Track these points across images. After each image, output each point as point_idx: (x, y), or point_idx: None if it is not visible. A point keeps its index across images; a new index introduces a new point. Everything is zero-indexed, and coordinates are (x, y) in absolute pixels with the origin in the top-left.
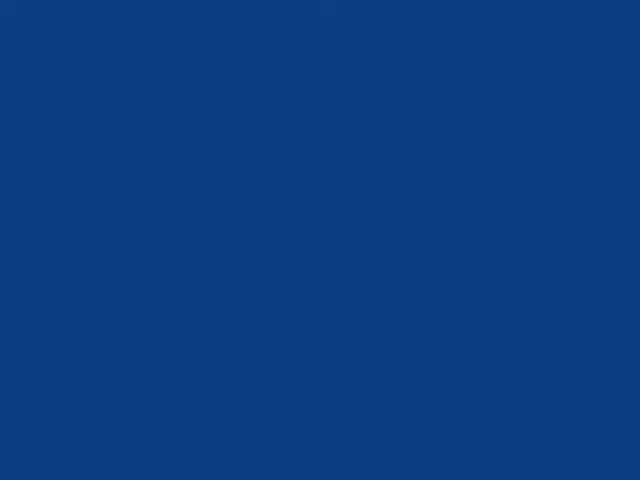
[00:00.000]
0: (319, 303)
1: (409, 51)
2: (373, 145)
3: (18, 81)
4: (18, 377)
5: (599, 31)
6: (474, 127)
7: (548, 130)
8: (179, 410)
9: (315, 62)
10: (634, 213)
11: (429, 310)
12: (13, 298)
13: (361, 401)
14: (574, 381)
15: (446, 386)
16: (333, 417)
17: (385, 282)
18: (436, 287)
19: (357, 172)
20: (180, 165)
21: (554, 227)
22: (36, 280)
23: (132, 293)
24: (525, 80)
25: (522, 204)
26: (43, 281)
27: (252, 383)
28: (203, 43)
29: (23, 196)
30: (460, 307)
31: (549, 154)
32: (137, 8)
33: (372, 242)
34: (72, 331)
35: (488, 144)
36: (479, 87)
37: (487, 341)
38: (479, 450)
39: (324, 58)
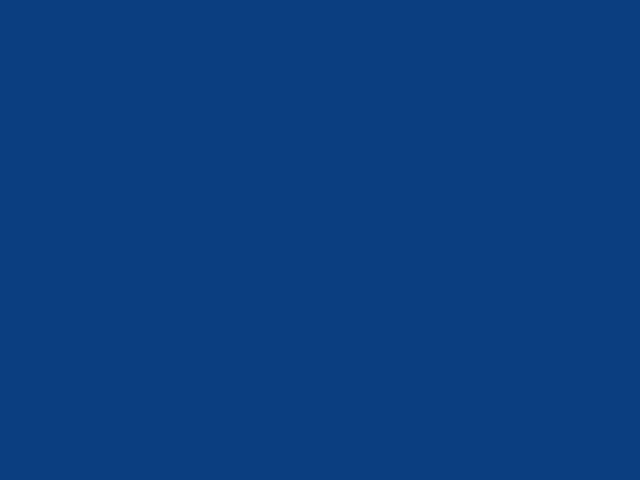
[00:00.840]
0: (319, 303)
1: (409, 51)
2: (373, 145)
3: (18, 81)
4: (18, 377)
5: (599, 31)
6: (474, 127)
7: (548, 130)
8: (179, 410)
9: (315, 62)
10: (634, 213)
11: (429, 310)
12: (13, 298)
13: (361, 401)
14: (574, 381)
15: (446, 386)
16: (333, 417)
17: (385, 282)
18: (436, 287)
19: (357, 172)
20: (180, 165)
21: (554, 227)
22: (36, 280)
23: (132, 293)
24: (525, 80)
25: (522, 204)
26: (43, 281)
27: (252, 383)
28: (203, 43)
29: (23, 196)
30: (460, 307)
31: (549, 154)
32: (137, 8)
33: (372, 242)
34: (72, 331)
35: (488, 144)
36: (479, 87)
37: (487, 341)
38: (479, 450)
39: (324, 58)
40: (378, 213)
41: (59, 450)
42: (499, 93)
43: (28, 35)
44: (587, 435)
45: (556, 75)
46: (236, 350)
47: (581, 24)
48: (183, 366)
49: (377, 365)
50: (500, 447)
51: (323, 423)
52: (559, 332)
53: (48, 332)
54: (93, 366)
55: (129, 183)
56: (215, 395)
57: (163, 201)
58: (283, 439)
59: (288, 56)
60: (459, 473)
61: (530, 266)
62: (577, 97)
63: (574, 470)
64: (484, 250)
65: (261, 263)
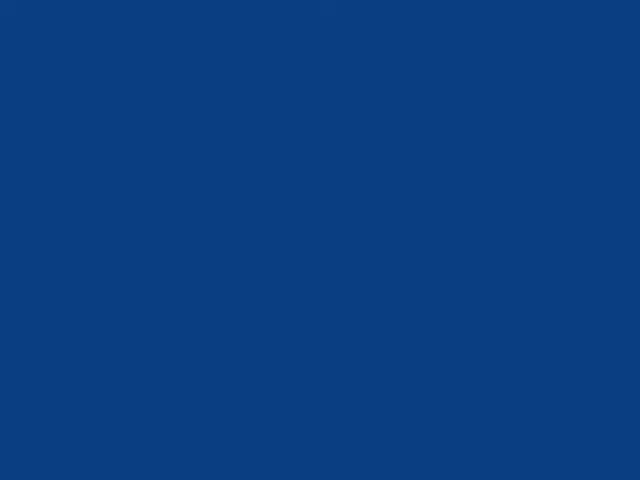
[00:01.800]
0: (319, 303)
1: (409, 51)
2: (373, 145)
3: (18, 81)
4: (18, 377)
5: (599, 31)
6: (474, 127)
7: (548, 130)
8: (179, 410)
9: (315, 62)
10: (634, 213)
11: (429, 310)
12: (13, 298)
13: (361, 401)
14: (574, 381)
15: (446, 386)
16: (333, 417)
17: (385, 282)
18: (436, 287)
19: (357, 172)
20: (180, 165)
21: (554, 227)
22: (36, 280)
23: (132, 293)
24: (525, 80)
25: (522, 204)
26: (43, 281)
27: (252, 383)
28: (203, 43)
29: (23, 196)
30: (460, 307)
31: (549, 154)
32: (137, 8)
33: (372, 242)
34: (72, 331)
35: (488, 144)
36: (479, 87)
37: (487, 341)
38: (479, 450)
39: (324, 58)
40: (378, 213)
41: (59, 450)
42: (499, 93)
43: (28, 35)
44: (587, 435)
45: (556, 75)
46: (236, 350)
47: (581, 24)
48: (183, 366)
49: (377, 365)
50: (500, 447)
51: (323, 423)
52: (559, 332)
53: (48, 332)
54: (93, 366)
55: (129, 183)
56: (215, 395)
57: (163, 201)
58: (283, 439)
59: (288, 56)
60: (459, 473)
61: (530, 266)
62: (577, 97)
63: (574, 470)
64: (484, 250)
65: (261, 263)
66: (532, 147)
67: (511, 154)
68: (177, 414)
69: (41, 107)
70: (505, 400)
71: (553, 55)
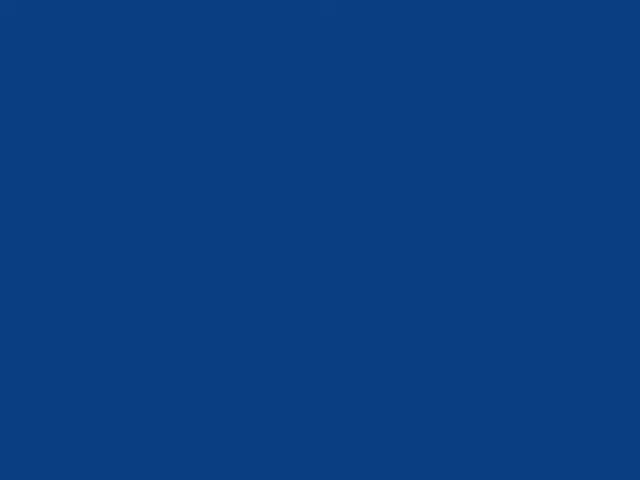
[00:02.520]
0: (319, 303)
1: (409, 51)
2: (373, 145)
3: (18, 81)
4: (18, 377)
5: (599, 31)
6: (474, 127)
7: (548, 130)
8: (179, 410)
9: (315, 62)
10: (634, 213)
11: (429, 310)
12: (13, 298)
13: (361, 401)
14: (574, 381)
15: (446, 386)
16: (333, 417)
17: (385, 282)
18: (436, 287)
19: (357, 172)
20: (180, 165)
21: (554, 227)
22: (36, 280)
23: (132, 293)
24: (525, 80)
25: (522, 204)
26: (43, 281)
27: (252, 383)
28: (203, 43)
29: (23, 196)
30: (460, 307)
31: (549, 154)
32: (137, 8)
33: (372, 242)
34: (72, 331)
35: (488, 144)
36: (479, 87)
37: (487, 341)
38: (479, 450)
39: (324, 58)
40: (378, 213)
41: (59, 450)
42: (499, 93)
43: (28, 35)
44: (587, 435)
45: (556, 75)
46: (236, 350)
47: (581, 24)
48: (183, 366)
49: (377, 365)
50: (500, 447)
51: (323, 423)
52: (559, 332)
53: (48, 332)
54: (93, 366)
55: (129, 183)
56: (215, 395)
57: (163, 201)
58: (283, 439)
59: (288, 56)
60: (459, 473)
61: (530, 266)
62: (577, 97)
63: (574, 470)
64: (484, 250)
65: (261, 263)
66: (532, 147)
67: (511, 154)
68: (177, 414)
69: (41, 107)
70: (505, 400)
71: (553, 55)
